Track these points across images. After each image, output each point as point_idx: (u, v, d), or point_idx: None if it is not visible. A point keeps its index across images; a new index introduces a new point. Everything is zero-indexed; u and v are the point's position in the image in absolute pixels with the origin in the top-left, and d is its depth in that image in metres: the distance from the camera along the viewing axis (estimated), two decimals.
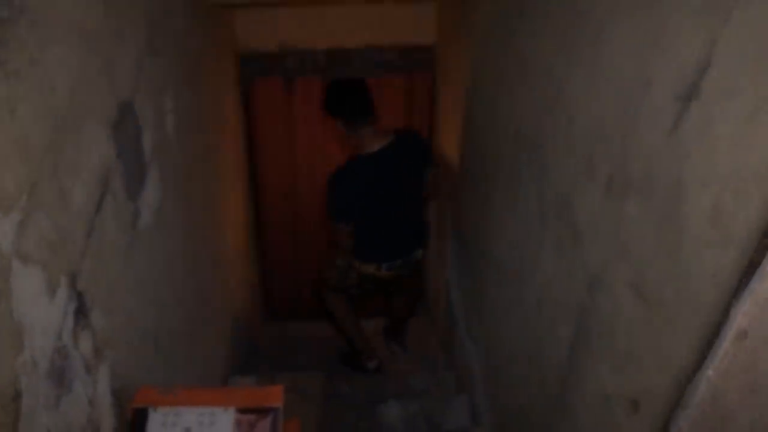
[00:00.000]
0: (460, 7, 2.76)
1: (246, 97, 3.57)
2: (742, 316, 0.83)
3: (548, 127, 1.62)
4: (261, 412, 1.41)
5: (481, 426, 2.54)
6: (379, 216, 2.88)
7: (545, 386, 1.69)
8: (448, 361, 3.34)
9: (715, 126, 0.89)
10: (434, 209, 3.62)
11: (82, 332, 1.20)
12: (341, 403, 2.91)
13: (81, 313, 1.19)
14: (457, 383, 3.06)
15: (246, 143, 3.65)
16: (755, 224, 0.81)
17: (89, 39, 1.26)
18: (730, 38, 0.86)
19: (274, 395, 1.45)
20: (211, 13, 2.71)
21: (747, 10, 0.82)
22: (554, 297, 1.61)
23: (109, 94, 1.39)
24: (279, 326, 4.13)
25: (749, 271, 0.81)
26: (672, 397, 1.01)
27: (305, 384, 2.54)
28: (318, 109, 3.65)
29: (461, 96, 2.87)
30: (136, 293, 1.54)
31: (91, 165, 1.27)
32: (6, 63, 0.93)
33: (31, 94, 1.01)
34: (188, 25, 2.24)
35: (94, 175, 1.28)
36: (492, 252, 2.29)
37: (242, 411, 1.42)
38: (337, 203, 2.82)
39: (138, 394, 1.43)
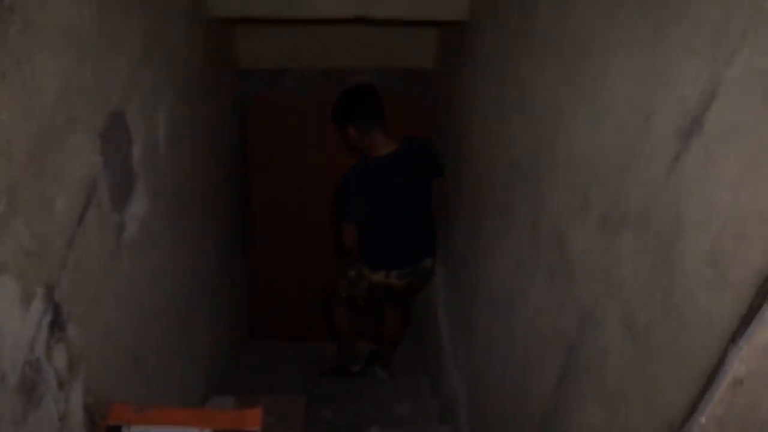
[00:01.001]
0: (461, 35, 2.76)
1: (243, 114, 3.55)
2: (739, 362, 0.80)
3: (545, 160, 1.61)
4: None
5: None
6: (388, 220, 2.87)
7: (529, 420, 1.65)
8: (433, 389, 3.30)
9: (716, 164, 0.87)
10: None
11: (56, 345, 1.16)
12: (322, 428, 2.86)
13: (57, 325, 1.15)
14: (441, 412, 3.01)
15: (241, 160, 3.62)
16: (755, 267, 0.78)
17: (81, 45, 1.24)
18: (735, 75, 0.84)
19: (252, 418, 1.41)
20: (212, 29, 2.70)
21: (754, 47, 0.81)
22: (543, 330, 1.58)
23: (99, 102, 1.36)
24: (263, 345, 4.07)
25: (748, 315, 0.79)
26: None
27: (286, 407, 2.49)
28: (314, 128, 3.67)
29: (457, 122, 2.86)
30: (118, 307, 1.50)
31: (76, 173, 1.23)
32: None
33: (17, 97, 0.98)
34: (187, 39, 2.22)
35: (79, 184, 1.25)
36: (482, 279, 2.26)
37: None
38: (346, 201, 2.82)
39: (112, 412, 1.39)
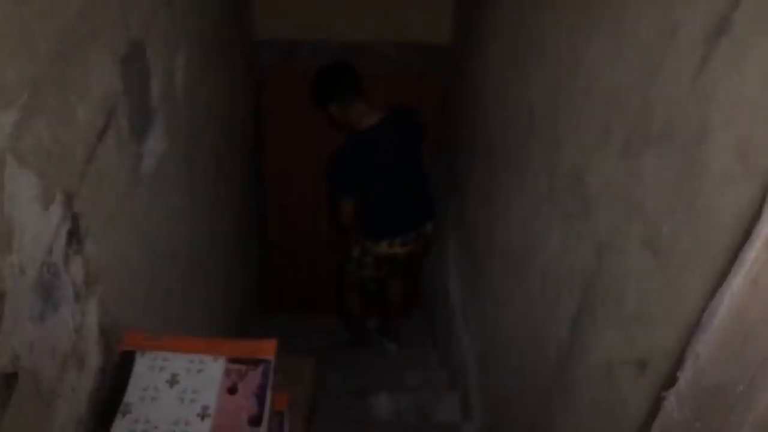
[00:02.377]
0: (477, 6, 2.76)
1: (258, 85, 3.55)
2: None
3: (563, 103, 1.60)
4: (252, 363, 1.37)
5: (471, 421, 2.48)
6: (384, 189, 2.88)
7: (544, 366, 1.64)
8: (441, 358, 3.29)
9: (745, 58, 0.86)
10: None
11: (73, 256, 1.16)
12: (331, 392, 2.86)
13: (74, 235, 1.15)
14: (450, 380, 3.01)
15: (255, 130, 3.62)
16: None
17: None
18: None
19: (267, 348, 1.41)
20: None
21: None
22: (559, 273, 1.57)
23: (120, 26, 1.36)
24: (272, 319, 4.07)
25: None
26: (683, 345, 0.97)
27: (296, 367, 2.48)
28: None
29: (473, 90, 2.85)
30: (133, 238, 1.50)
31: (97, 90, 1.23)
32: None
33: None
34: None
35: (100, 101, 1.25)
36: (496, 238, 2.25)
37: (233, 361, 1.37)
38: (339, 176, 2.83)
39: (126, 337, 1.39)
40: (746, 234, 0.84)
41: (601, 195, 1.33)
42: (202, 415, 1.29)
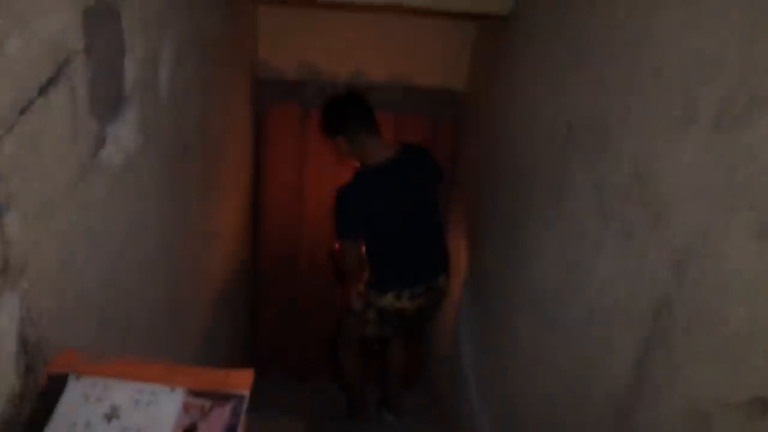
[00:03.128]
0: (499, 36, 2.55)
1: (259, 123, 3.31)
2: None
3: (616, 99, 1.33)
4: (220, 397, 1.04)
5: None
6: (393, 233, 2.58)
7: (597, 424, 1.30)
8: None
9: None
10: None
11: None
12: None
13: None
14: None
15: (253, 169, 3.36)
16: None
17: None
18: None
19: (241, 379, 1.08)
20: (235, 22, 2.51)
21: None
22: (614, 305, 1.26)
23: None
24: (264, 378, 3.69)
25: None
26: None
27: (282, 429, 2.13)
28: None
29: (492, 124, 2.60)
30: (85, 239, 1.20)
31: (44, 27, 0.97)
32: None
33: None
34: (208, 6, 2.02)
35: (47, 44, 0.98)
36: (523, 283, 1.94)
37: (194, 394, 1.05)
38: (344, 215, 2.54)
39: (59, 357, 1.07)
40: None
41: (680, 191, 1.04)
42: None
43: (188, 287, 2.05)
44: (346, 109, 2.55)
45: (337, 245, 2.64)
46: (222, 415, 1.02)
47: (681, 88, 1.06)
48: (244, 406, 1.04)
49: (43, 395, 1.01)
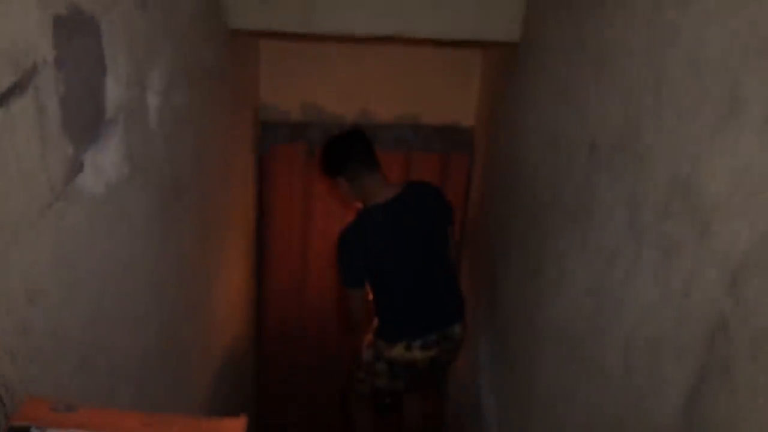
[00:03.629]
0: (510, 63, 2.46)
1: (261, 167, 3.21)
2: None
3: (647, 106, 1.20)
4: None
5: None
6: (401, 277, 2.40)
7: None
8: None
9: None
10: None
11: None
12: None
13: None
14: None
15: (257, 213, 3.23)
16: None
17: None
18: None
19: (232, 428, 0.93)
20: (234, 60, 2.43)
21: None
22: (657, 331, 1.10)
23: None
24: None
25: None
26: None
27: None
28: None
29: (505, 156, 2.48)
30: (57, 275, 1.07)
31: (6, 28, 0.86)
32: None
33: None
34: (204, 39, 1.94)
35: (9, 45, 0.87)
36: (546, 322, 1.78)
37: None
38: (349, 261, 2.38)
39: (24, 406, 0.92)
40: None
41: (730, 196, 0.90)
42: None
43: (185, 336, 1.91)
44: (345, 148, 2.44)
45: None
46: None
47: (723, 79, 0.94)
48: None
49: None
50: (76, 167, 1.12)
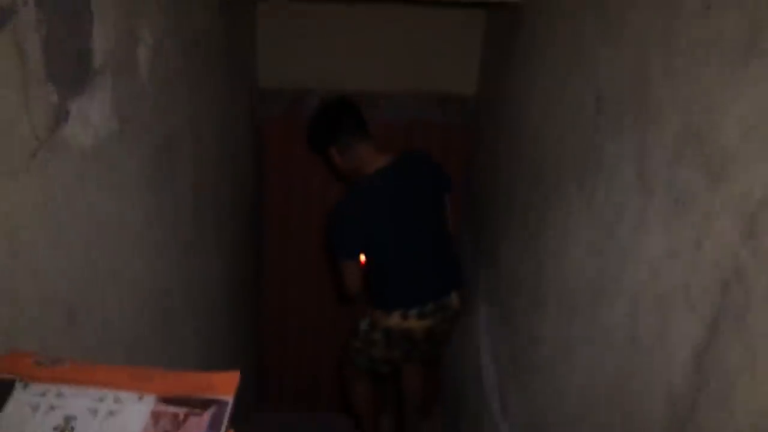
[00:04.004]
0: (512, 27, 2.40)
1: (260, 136, 3.15)
2: None
3: (658, 52, 1.15)
4: (198, 404, 0.85)
5: None
6: (396, 247, 2.37)
7: (646, 427, 1.10)
8: None
9: None
10: None
11: None
12: None
13: None
14: None
15: (255, 186, 3.18)
16: None
17: None
18: None
19: (225, 382, 0.89)
20: (230, 21, 2.37)
21: None
22: (667, 286, 1.06)
23: None
24: (270, 414, 3.47)
25: None
26: None
27: None
28: None
29: (507, 122, 2.43)
30: (40, 228, 1.03)
31: None
32: None
33: None
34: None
35: None
36: (549, 283, 1.74)
37: (167, 401, 0.86)
38: (340, 232, 2.34)
39: (7, 360, 0.89)
40: None
41: (747, 139, 0.86)
42: None
43: (181, 300, 1.87)
44: (334, 118, 2.40)
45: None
46: (199, 425, 0.83)
47: (739, 16, 0.89)
48: (227, 414, 0.85)
49: None
50: (61, 116, 1.07)
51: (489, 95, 2.87)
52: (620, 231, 1.26)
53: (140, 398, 0.86)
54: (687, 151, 1.01)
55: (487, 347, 2.52)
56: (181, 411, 0.84)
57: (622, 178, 1.27)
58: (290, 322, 3.61)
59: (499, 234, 2.44)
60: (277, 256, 3.47)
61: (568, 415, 1.53)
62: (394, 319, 2.47)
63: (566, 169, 1.63)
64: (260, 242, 3.40)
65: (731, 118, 0.90)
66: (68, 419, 0.82)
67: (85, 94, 1.16)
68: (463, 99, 3.15)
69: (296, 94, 3.11)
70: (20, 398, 0.83)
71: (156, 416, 0.83)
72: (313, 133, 2.47)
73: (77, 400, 0.84)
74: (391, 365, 2.72)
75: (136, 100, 1.43)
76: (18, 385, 0.85)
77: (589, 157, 1.46)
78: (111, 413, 0.83)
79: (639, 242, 1.17)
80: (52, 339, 1.08)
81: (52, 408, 0.83)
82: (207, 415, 0.84)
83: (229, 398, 0.87)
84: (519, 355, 2.04)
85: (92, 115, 1.19)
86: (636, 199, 1.19)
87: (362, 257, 2.44)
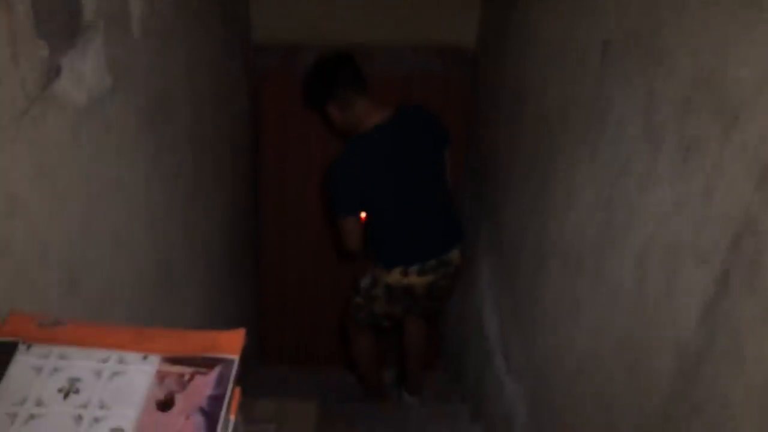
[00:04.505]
0: None
1: (256, 94, 3.10)
2: None
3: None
4: (202, 364, 0.85)
5: None
6: (395, 203, 2.36)
7: (654, 387, 1.10)
8: (474, 412, 2.70)
9: None
10: None
11: None
12: None
13: None
14: None
15: (252, 138, 3.14)
16: None
17: None
18: None
19: (229, 341, 0.89)
20: None
21: None
22: (675, 238, 1.05)
23: None
24: (271, 372, 3.49)
25: None
26: None
27: (293, 412, 1.94)
28: None
29: (505, 80, 2.39)
30: (36, 186, 1.00)
31: None
32: None
33: None
34: None
35: None
36: (553, 239, 1.73)
37: (171, 360, 0.85)
38: (339, 189, 2.32)
39: (8, 321, 0.87)
40: None
41: (763, 83, 0.83)
42: None
43: (181, 259, 1.86)
44: (332, 73, 2.34)
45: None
46: (205, 383, 0.82)
47: None
48: (233, 373, 0.84)
49: None
50: (52, 72, 1.04)
51: (490, 46, 2.81)
52: (626, 183, 1.24)
53: (144, 358, 0.85)
54: (697, 99, 0.99)
55: (489, 302, 2.52)
56: (186, 370, 0.83)
57: (628, 128, 1.24)
58: (289, 278, 3.61)
59: (501, 188, 2.42)
60: (274, 213, 3.45)
61: (573, 370, 1.53)
62: (395, 276, 2.47)
63: (570, 121, 1.60)
64: (258, 199, 3.38)
65: (746, 62, 0.87)
66: (72, 381, 0.81)
67: (77, 49, 1.12)
68: (462, 50, 3.09)
69: (291, 48, 3.05)
70: (23, 360, 0.83)
71: (161, 376, 0.83)
72: (310, 90, 2.43)
73: (81, 362, 0.83)
74: (393, 320, 2.73)
75: (130, 55, 1.40)
76: (21, 347, 0.84)
77: (595, 109, 1.43)
78: (115, 374, 0.83)
79: (646, 194, 1.15)
80: (54, 301, 1.07)
81: (55, 370, 0.82)
82: (213, 374, 0.83)
83: (235, 357, 0.86)
84: (522, 311, 2.04)
85: (85, 72, 1.16)
86: (643, 152, 1.17)
87: (362, 214, 2.42)
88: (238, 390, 0.86)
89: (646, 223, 1.15)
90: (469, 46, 3.08)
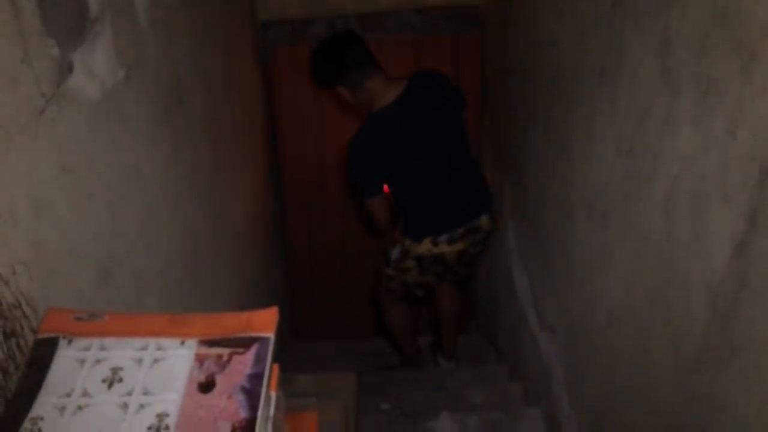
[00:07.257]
0: None
1: (266, 66, 3.09)
2: None
3: None
4: (240, 344, 0.86)
5: None
6: (420, 175, 2.34)
7: (687, 326, 1.10)
8: (511, 371, 2.72)
9: None
10: None
11: None
12: (381, 418, 2.31)
13: None
14: (526, 395, 2.43)
15: (267, 126, 3.15)
16: None
17: None
18: None
19: (264, 319, 0.90)
20: None
21: None
22: (701, 181, 1.03)
23: None
24: (307, 347, 3.54)
25: None
26: None
27: (331, 384, 1.96)
28: None
29: (518, 36, 2.35)
30: (61, 183, 1.02)
31: None
32: None
33: None
34: None
35: None
36: (576, 192, 1.72)
37: (209, 343, 0.86)
38: (360, 169, 2.31)
39: (47, 318, 0.89)
40: None
41: None
42: (158, 429, 0.78)
43: (208, 243, 1.88)
44: (338, 54, 2.28)
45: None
46: (244, 363, 0.83)
47: None
48: (270, 350, 0.85)
49: (31, 363, 0.84)
50: (64, 69, 1.05)
51: (499, 2, 2.76)
52: (648, 130, 1.22)
53: (182, 343, 0.86)
54: (714, 37, 0.96)
55: (517, 263, 2.52)
56: (224, 351, 0.85)
57: (645, 75, 1.22)
58: (316, 254, 3.64)
59: (521, 146, 2.40)
60: (296, 192, 3.47)
61: (606, 320, 1.53)
62: (425, 246, 2.47)
63: (586, 74, 1.58)
64: (279, 179, 3.39)
65: None
66: (115, 370, 0.83)
67: (87, 44, 1.13)
68: (470, 9, 3.04)
69: (299, 23, 3.03)
70: (66, 354, 0.84)
71: (200, 359, 0.84)
72: (318, 73, 2.39)
73: (121, 351, 0.85)
74: (425, 288, 2.74)
75: (138, 46, 1.40)
76: (62, 342, 0.86)
77: (609, 57, 1.40)
78: (156, 360, 0.84)
79: (668, 139, 1.13)
80: (88, 295, 1.09)
81: (97, 361, 0.84)
82: (251, 353, 0.84)
83: (271, 335, 0.87)
84: (551, 266, 2.04)
85: (96, 66, 1.16)
86: (661, 96, 1.15)
87: (386, 187, 2.41)
88: (276, 366, 0.87)
89: (670, 168, 1.14)
90: (476, 3, 3.03)
